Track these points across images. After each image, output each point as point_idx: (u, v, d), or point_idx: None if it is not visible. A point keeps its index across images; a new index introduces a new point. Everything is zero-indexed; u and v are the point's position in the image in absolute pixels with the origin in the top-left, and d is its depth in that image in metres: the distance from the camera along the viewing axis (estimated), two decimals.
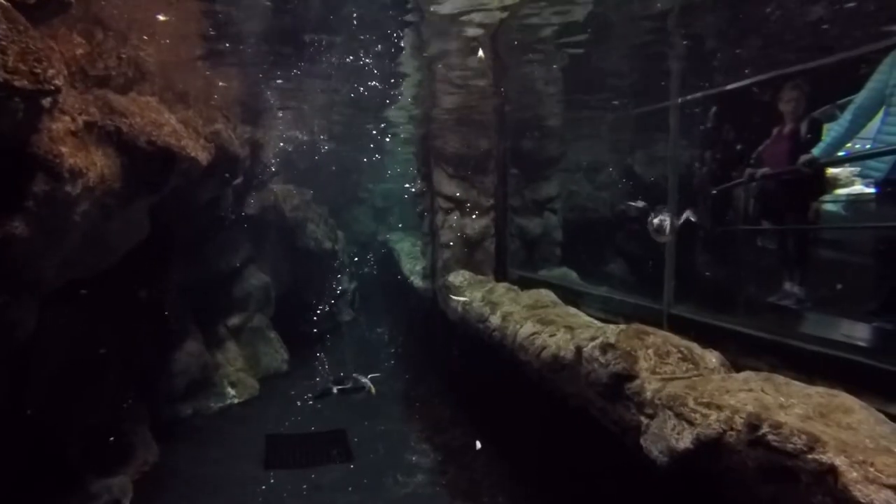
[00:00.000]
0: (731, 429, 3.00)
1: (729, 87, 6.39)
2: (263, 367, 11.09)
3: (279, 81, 10.19)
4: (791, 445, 2.65)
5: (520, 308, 6.38)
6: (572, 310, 6.18)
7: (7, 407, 5.23)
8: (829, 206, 7.21)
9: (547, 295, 6.76)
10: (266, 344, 11.40)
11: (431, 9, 5.99)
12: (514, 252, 9.90)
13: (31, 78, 3.12)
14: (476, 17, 6.22)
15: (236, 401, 9.78)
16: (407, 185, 17.95)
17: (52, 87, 3.35)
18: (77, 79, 4.64)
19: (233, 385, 9.96)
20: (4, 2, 3.07)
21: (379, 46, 7.71)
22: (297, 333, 12.65)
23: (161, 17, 5.69)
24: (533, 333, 5.52)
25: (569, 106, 10.81)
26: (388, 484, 6.98)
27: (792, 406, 2.99)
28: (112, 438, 6.64)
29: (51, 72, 3.26)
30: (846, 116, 5.22)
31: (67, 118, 4.26)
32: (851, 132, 5.21)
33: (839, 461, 2.45)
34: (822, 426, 2.73)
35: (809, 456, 2.56)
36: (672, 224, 5.44)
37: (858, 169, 7.48)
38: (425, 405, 9.59)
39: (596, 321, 5.59)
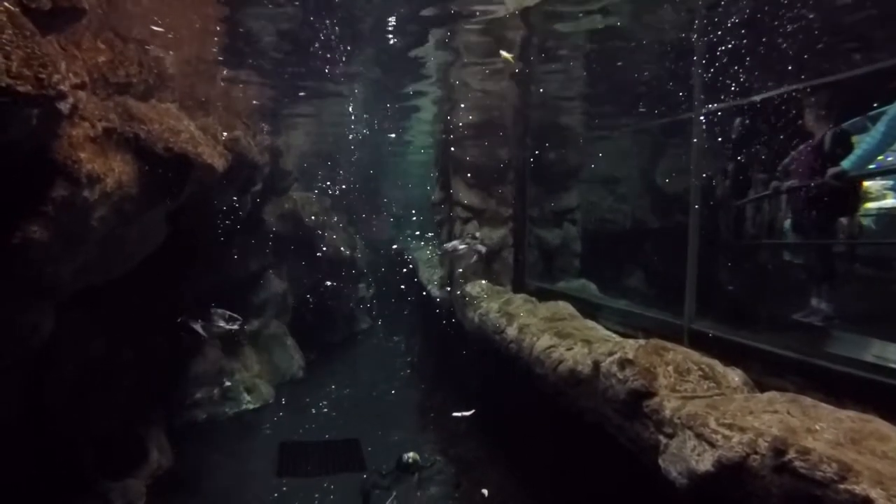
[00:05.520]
0: (755, 452, 2.86)
1: (755, 97, 6.23)
2: (279, 373, 11.12)
3: (302, 94, 10.28)
4: (820, 474, 2.50)
5: (537, 320, 6.26)
6: (590, 323, 6.04)
7: (23, 410, 5.28)
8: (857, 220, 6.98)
9: (565, 307, 6.64)
10: (282, 350, 11.43)
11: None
12: (533, 263, 9.76)
13: (36, 83, 3.12)
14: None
15: (251, 407, 9.80)
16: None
17: (58, 93, 3.34)
18: (98, 85, 4.69)
19: (248, 391, 9.98)
20: (12, 7, 3.08)
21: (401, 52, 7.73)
22: (314, 340, 12.65)
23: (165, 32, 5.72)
24: (550, 346, 5.40)
25: (590, 115, 10.70)
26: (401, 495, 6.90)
27: (821, 431, 2.83)
28: (126, 443, 6.67)
29: (56, 77, 3.27)
30: (879, 128, 5.02)
31: (87, 124, 4.31)
32: (885, 144, 5.01)
33: (875, 493, 2.29)
34: (854, 454, 2.57)
35: (841, 486, 2.41)
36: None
37: (892, 182, 7.23)
38: (440, 416, 9.48)
39: (614, 335, 5.46)
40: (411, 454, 6.54)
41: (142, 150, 4.74)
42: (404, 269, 17.15)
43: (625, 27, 6.62)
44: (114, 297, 5.86)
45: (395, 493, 6.16)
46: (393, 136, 16.25)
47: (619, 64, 7.83)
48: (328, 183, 15.89)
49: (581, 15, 6.24)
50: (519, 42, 7.08)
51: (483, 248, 8.07)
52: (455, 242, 7.64)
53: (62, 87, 3.32)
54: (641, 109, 9.87)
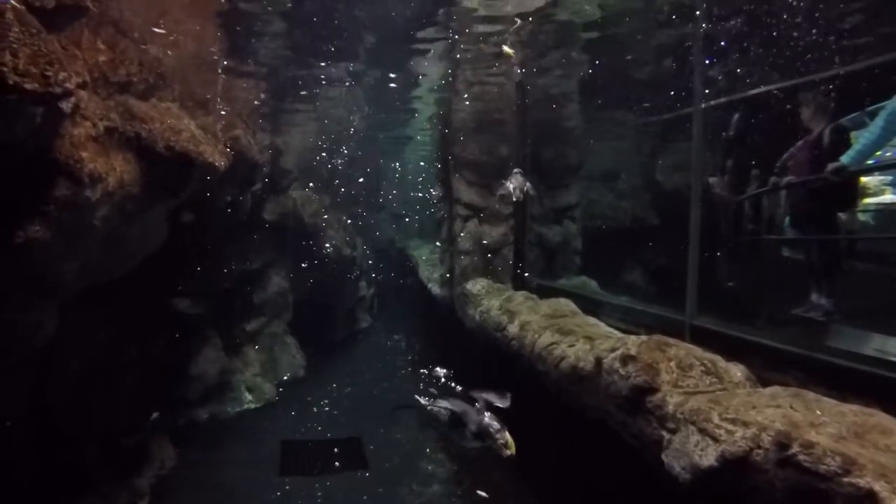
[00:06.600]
0: (759, 447, 2.87)
1: (752, 92, 6.23)
2: (281, 372, 11.11)
3: (303, 93, 10.28)
4: (824, 467, 2.51)
5: (538, 317, 6.27)
6: (592, 320, 6.05)
7: (27, 409, 5.29)
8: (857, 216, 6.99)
9: (566, 304, 6.64)
10: (283, 349, 11.42)
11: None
12: (533, 260, 9.77)
13: (42, 81, 3.11)
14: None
15: (253, 406, 9.79)
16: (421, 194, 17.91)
17: (63, 91, 3.34)
18: (99, 85, 4.69)
19: (250, 390, 9.98)
20: (18, 5, 3.08)
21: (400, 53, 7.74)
22: (314, 339, 12.65)
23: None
24: (551, 343, 5.41)
25: (589, 112, 10.70)
26: (403, 493, 6.90)
27: (824, 425, 2.84)
28: (129, 442, 6.68)
29: (62, 75, 3.26)
30: (878, 123, 5.03)
31: (89, 123, 4.31)
32: (883, 139, 5.02)
33: (879, 486, 2.30)
34: (857, 447, 2.58)
35: (845, 479, 2.42)
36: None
37: (890, 178, 7.25)
38: None
39: (616, 332, 5.47)
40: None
41: (143, 149, 4.74)
42: (404, 268, 17.18)
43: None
44: (116, 296, 5.86)
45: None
46: (393, 133, 16.24)
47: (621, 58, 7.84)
48: (328, 181, 15.85)
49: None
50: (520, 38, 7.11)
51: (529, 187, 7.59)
52: (508, 186, 7.38)
53: (68, 86, 3.32)
54: (641, 106, 9.89)
